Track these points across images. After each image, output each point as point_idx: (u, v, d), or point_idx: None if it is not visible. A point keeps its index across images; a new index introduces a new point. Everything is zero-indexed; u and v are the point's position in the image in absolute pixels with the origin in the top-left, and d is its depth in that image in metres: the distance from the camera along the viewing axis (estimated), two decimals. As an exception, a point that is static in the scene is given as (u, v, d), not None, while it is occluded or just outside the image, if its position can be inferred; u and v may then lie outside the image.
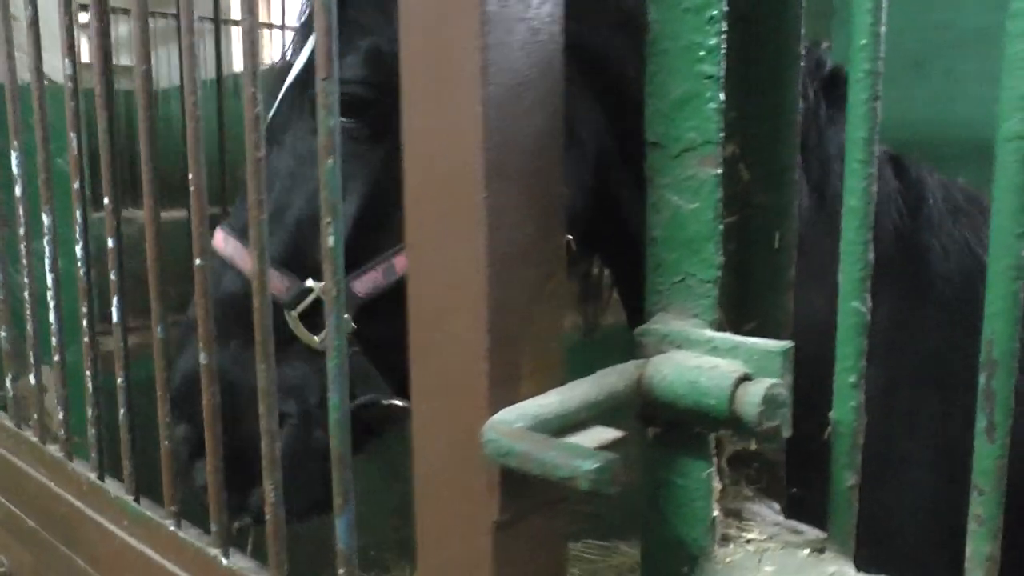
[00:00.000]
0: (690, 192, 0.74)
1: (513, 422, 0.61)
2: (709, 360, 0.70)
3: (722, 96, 0.72)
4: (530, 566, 0.67)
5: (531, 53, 0.64)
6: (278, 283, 1.19)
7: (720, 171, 0.73)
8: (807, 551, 0.76)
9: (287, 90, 1.28)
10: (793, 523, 0.80)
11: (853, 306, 0.72)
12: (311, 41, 1.28)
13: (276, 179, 1.26)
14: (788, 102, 0.84)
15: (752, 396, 0.66)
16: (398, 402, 1.23)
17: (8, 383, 1.42)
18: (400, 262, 1.19)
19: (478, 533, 0.64)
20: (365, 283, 1.19)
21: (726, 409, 0.67)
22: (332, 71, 0.74)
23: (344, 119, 1.22)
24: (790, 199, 0.85)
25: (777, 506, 0.84)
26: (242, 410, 1.17)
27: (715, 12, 0.72)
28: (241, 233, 1.23)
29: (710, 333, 0.73)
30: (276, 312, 1.21)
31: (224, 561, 0.93)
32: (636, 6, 1.21)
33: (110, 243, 1.08)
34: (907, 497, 1.25)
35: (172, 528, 1.02)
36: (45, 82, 1.58)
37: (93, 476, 1.18)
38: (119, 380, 1.10)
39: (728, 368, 0.68)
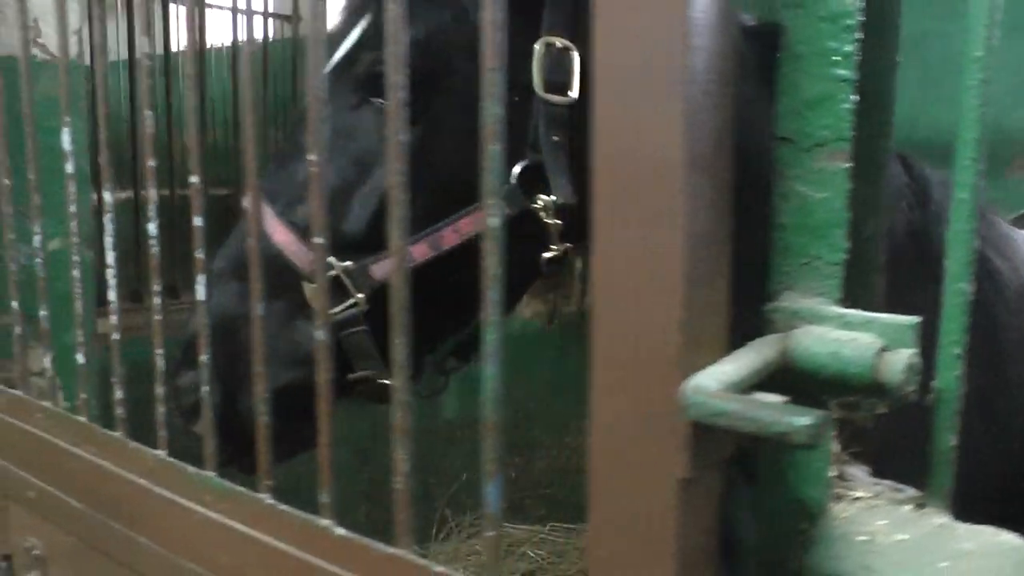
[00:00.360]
0: (819, 183, 0.82)
1: (710, 386, 0.67)
2: (845, 333, 0.78)
3: (854, 97, 0.80)
4: (703, 520, 0.73)
5: (716, 55, 0.70)
6: (302, 256, 1.23)
7: (850, 164, 0.81)
8: (910, 507, 0.85)
9: (333, 67, 1.31)
10: (891, 483, 0.89)
11: (960, 287, 0.82)
12: (361, 23, 1.31)
13: (297, 155, 1.29)
14: (885, 99, 0.93)
15: (896, 365, 0.74)
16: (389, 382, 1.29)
17: (47, 362, 1.40)
18: (418, 250, 1.24)
19: (663, 490, 0.70)
20: (382, 268, 1.24)
21: (869, 377, 0.75)
22: (499, 62, 0.79)
23: (383, 100, 1.26)
24: (881, 191, 0.94)
25: (868, 468, 0.93)
26: (243, 364, 1.22)
27: (851, 21, 0.79)
28: (270, 199, 1.26)
29: (841, 309, 0.81)
30: (294, 280, 1.26)
31: (338, 531, 0.96)
32: None
33: (197, 221, 1.09)
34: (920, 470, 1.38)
35: (270, 501, 1.04)
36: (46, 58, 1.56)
37: (162, 454, 1.19)
38: (202, 357, 1.11)
39: (866, 340, 0.76)
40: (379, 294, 1.21)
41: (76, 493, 1.36)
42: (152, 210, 1.15)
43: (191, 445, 1.20)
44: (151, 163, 1.15)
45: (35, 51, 1.83)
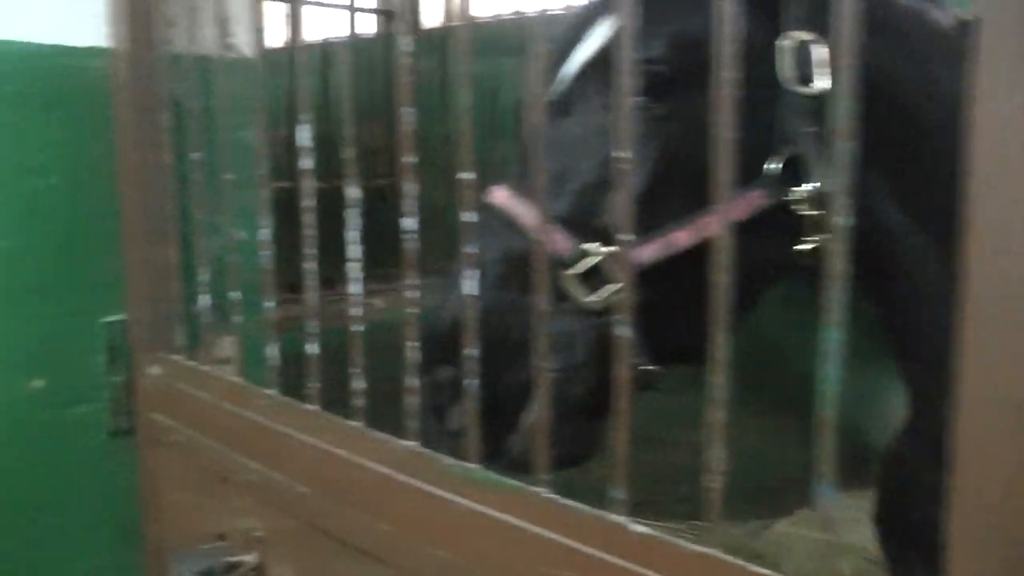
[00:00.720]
0: None
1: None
2: None
3: None
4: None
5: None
6: (561, 243, 1.25)
7: None
8: None
9: (585, 64, 1.32)
10: None
11: None
12: (611, 21, 1.31)
13: (563, 145, 1.30)
14: None
15: None
16: (652, 368, 1.30)
17: (269, 351, 1.43)
18: (679, 238, 1.25)
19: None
20: (646, 252, 1.25)
21: None
22: (855, 59, 0.77)
23: (642, 97, 1.26)
24: None
25: None
26: (508, 358, 1.23)
27: None
28: (519, 190, 1.28)
29: None
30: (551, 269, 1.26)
31: (635, 528, 0.96)
32: (912, 27, 1.32)
33: (468, 216, 1.10)
34: None
35: (548, 495, 1.05)
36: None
37: (414, 444, 1.21)
38: (468, 351, 1.12)
39: None
40: (639, 280, 1.22)
41: (303, 478, 1.39)
42: (410, 204, 1.17)
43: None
44: (409, 159, 1.16)
45: (223, 50, 1.87)
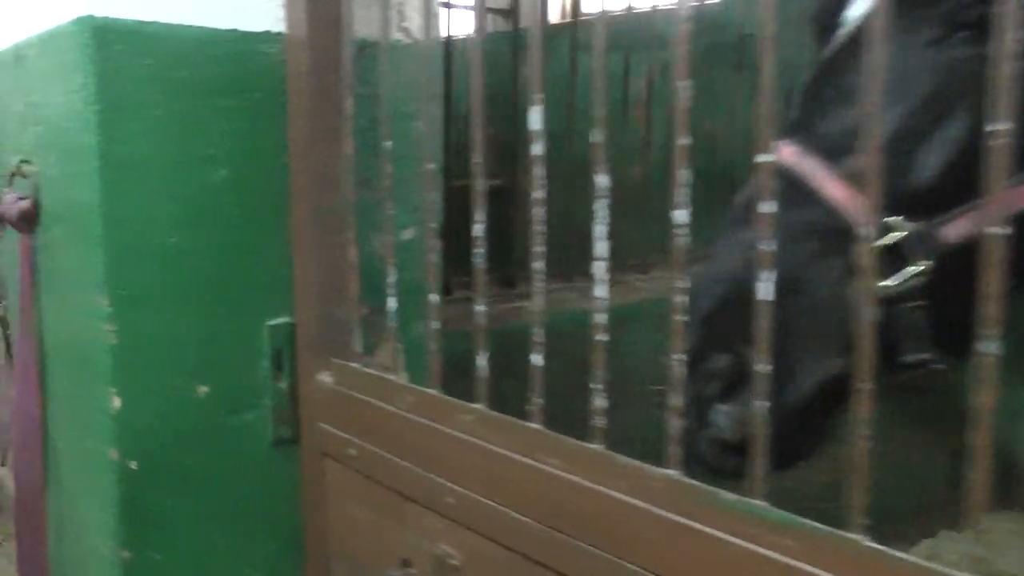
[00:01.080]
0: None
1: None
2: None
3: None
4: None
5: None
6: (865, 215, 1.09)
7: None
8: None
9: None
10: None
11: None
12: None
13: (854, 95, 1.15)
14: None
15: None
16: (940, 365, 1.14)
17: (480, 359, 1.29)
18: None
19: None
20: (956, 228, 1.09)
21: None
22: None
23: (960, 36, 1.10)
24: None
25: None
26: (794, 343, 1.10)
27: None
28: (814, 149, 1.11)
29: None
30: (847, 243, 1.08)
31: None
32: None
33: (765, 207, 0.94)
34: None
35: (868, 544, 0.88)
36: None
37: (674, 473, 1.05)
38: (759, 367, 0.96)
39: None
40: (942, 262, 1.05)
41: (521, 505, 1.25)
42: (682, 195, 1.01)
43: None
44: (684, 141, 1.01)
45: (398, 35, 1.76)
